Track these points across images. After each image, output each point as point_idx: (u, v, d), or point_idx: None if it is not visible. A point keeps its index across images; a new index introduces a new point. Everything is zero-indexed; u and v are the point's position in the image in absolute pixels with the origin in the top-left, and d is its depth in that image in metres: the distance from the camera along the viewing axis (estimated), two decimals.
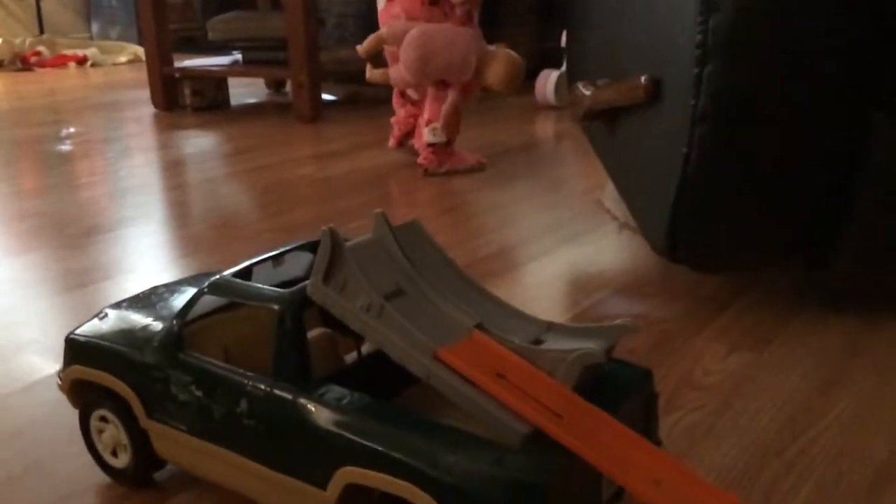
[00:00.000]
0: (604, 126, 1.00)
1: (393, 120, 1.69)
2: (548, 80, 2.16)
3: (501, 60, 1.48)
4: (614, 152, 1.03)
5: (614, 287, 0.95)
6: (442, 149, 1.53)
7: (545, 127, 2.01)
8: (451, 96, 1.52)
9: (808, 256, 0.85)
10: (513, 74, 1.49)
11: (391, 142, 1.69)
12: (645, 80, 0.82)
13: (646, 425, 0.52)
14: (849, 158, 0.77)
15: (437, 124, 1.51)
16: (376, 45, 1.54)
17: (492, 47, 1.51)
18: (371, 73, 1.59)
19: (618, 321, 0.50)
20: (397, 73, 1.53)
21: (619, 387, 0.50)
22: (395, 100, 1.67)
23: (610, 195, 1.30)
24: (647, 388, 0.52)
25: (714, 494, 0.44)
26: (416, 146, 1.58)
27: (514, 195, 1.37)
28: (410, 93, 1.59)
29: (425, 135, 1.53)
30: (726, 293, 0.92)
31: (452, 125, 1.53)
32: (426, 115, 1.53)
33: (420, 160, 1.55)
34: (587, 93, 0.95)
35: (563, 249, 1.09)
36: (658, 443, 0.53)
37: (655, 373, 0.73)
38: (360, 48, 1.55)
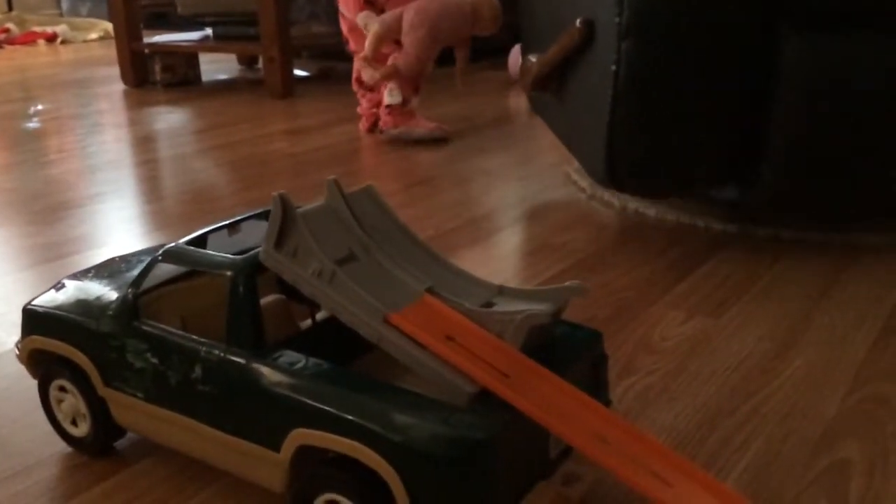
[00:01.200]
0: (552, 94, 1.02)
1: (359, 110, 1.71)
2: (520, 55, 2.16)
3: (485, 4, 1.54)
4: (562, 114, 1.05)
5: (578, 257, 0.96)
6: (398, 109, 1.57)
7: (518, 101, 2.01)
8: (461, 55, 1.60)
9: (739, 174, 0.89)
10: (496, 12, 1.56)
11: (361, 126, 1.71)
12: (579, 22, 0.88)
13: (595, 386, 0.53)
14: (765, 69, 0.82)
15: (395, 86, 1.55)
16: (378, 43, 1.53)
17: None
18: (374, 73, 1.54)
19: (567, 283, 0.51)
20: (406, 59, 1.52)
21: (567, 348, 0.51)
22: (355, 87, 1.68)
23: (577, 167, 1.31)
24: (596, 349, 0.53)
25: (659, 451, 0.45)
26: (380, 124, 1.62)
27: (485, 168, 1.38)
28: (367, 77, 1.59)
29: (385, 95, 1.57)
30: (686, 261, 0.94)
31: (409, 87, 1.56)
32: None
33: (380, 124, 1.60)
34: (534, 60, 0.98)
35: (530, 221, 1.10)
36: (607, 403, 0.54)
37: (614, 338, 0.75)
38: (368, 60, 1.52)
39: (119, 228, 1.11)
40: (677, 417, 0.63)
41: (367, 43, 1.52)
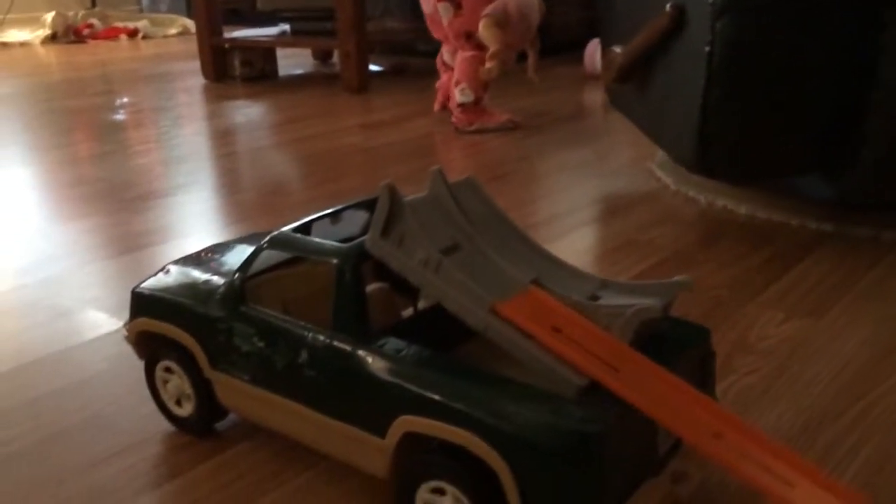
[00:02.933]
0: (635, 85, 1.00)
1: (437, 84, 1.77)
2: (597, 50, 2.14)
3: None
4: (647, 105, 1.03)
5: (665, 254, 0.95)
6: (471, 107, 1.61)
7: (593, 97, 1.99)
8: (533, 50, 1.63)
9: (836, 159, 0.85)
10: (543, 6, 1.60)
11: (435, 106, 1.78)
12: (669, 7, 0.86)
13: (702, 383, 0.51)
14: (868, 46, 0.79)
15: (466, 85, 1.59)
16: (497, 33, 1.55)
17: None
18: (492, 67, 1.55)
19: (675, 278, 0.50)
20: (507, 51, 1.56)
21: (675, 344, 0.50)
22: (439, 64, 1.75)
23: (659, 163, 1.28)
24: (704, 345, 0.52)
25: (775, 450, 0.43)
26: (450, 108, 1.66)
27: (563, 164, 1.37)
28: (448, 59, 1.68)
29: (456, 95, 1.61)
30: (780, 261, 0.91)
31: (479, 85, 1.60)
32: (455, 76, 1.62)
33: (452, 120, 1.63)
34: (619, 51, 0.96)
35: (612, 217, 1.09)
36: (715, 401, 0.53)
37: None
38: (497, 55, 1.54)
39: (202, 219, 1.14)
40: (780, 419, 0.61)
41: (492, 37, 1.53)
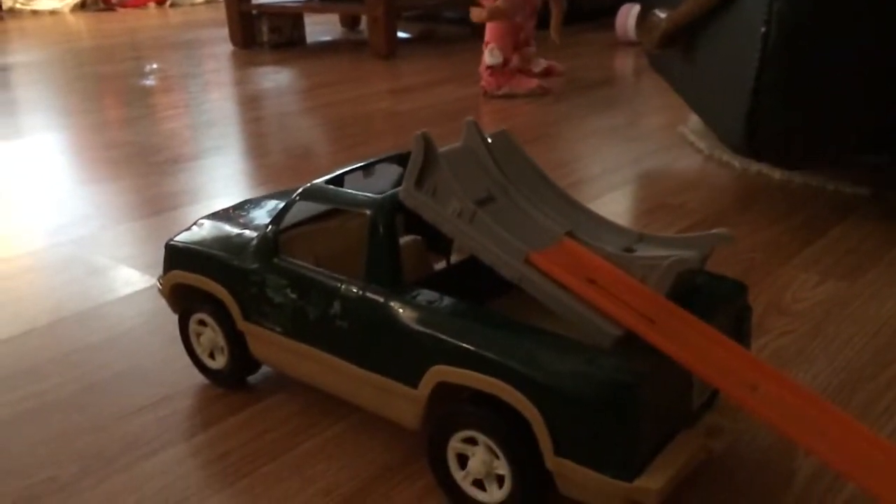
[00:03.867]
0: (679, 52, 0.97)
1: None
2: (629, 15, 2.10)
3: None
4: (689, 75, 1.00)
5: (698, 217, 0.93)
6: (499, 70, 1.60)
7: (625, 63, 1.96)
8: (557, 10, 1.64)
9: (884, 146, 0.83)
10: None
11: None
12: None
13: (738, 338, 0.51)
14: None
15: (495, 45, 1.59)
16: None
17: None
18: (481, 12, 1.61)
19: (713, 230, 0.49)
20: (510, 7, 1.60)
21: (711, 298, 0.50)
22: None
23: (693, 128, 1.26)
24: (740, 300, 0.51)
25: (812, 401, 0.43)
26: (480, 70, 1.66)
27: (594, 128, 1.35)
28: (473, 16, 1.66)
29: (485, 56, 1.61)
30: (815, 224, 0.89)
31: (509, 46, 1.60)
32: (486, 38, 1.61)
33: (481, 83, 1.63)
34: (663, 16, 0.93)
35: (646, 181, 1.07)
36: None
37: None
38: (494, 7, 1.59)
39: (230, 182, 1.14)
40: (815, 379, 0.60)
41: None
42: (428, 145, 0.50)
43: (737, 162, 1.09)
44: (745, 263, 0.81)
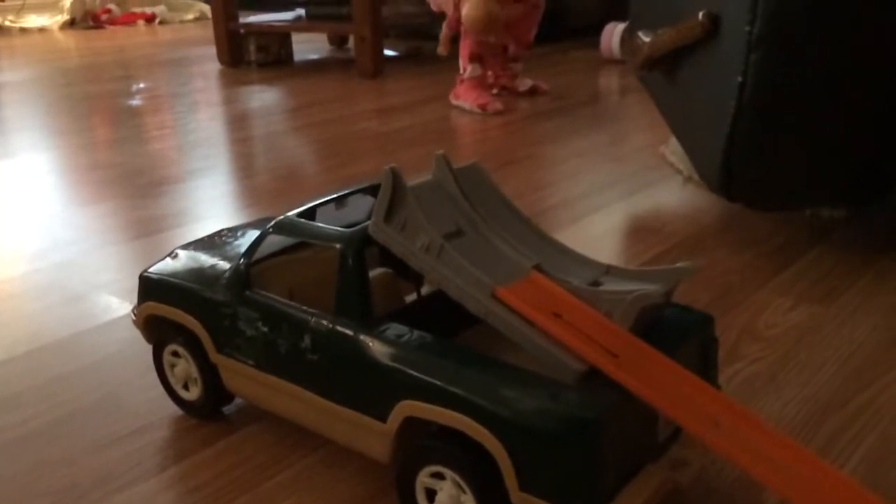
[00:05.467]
0: (662, 75, 0.98)
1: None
2: (613, 34, 2.12)
3: (469, 5, 1.60)
4: (672, 99, 1.01)
5: (677, 240, 0.94)
6: (467, 82, 1.69)
7: (609, 81, 1.97)
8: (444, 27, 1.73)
9: (862, 194, 0.83)
10: (477, 20, 1.60)
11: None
12: (702, 15, 0.81)
13: (704, 370, 0.51)
14: None
15: (461, 59, 1.71)
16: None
17: None
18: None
19: (678, 264, 0.49)
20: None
21: (677, 330, 0.50)
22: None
23: (673, 149, 1.27)
24: (706, 332, 0.51)
25: (773, 437, 0.43)
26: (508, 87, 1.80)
27: (577, 148, 1.36)
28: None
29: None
30: (792, 247, 0.90)
31: (465, 55, 1.69)
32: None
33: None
34: (646, 40, 0.93)
35: (625, 202, 1.08)
36: (717, 388, 0.53)
37: (717, 324, 0.73)
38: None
39: (216, 204, 1.15)
40: (785, 407, 0.61)
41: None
42: (396, 180, 0.51)
43: None
44: (721, 287, 0.81)
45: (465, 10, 1.60)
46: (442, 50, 1.71)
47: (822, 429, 0.58)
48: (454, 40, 1.73)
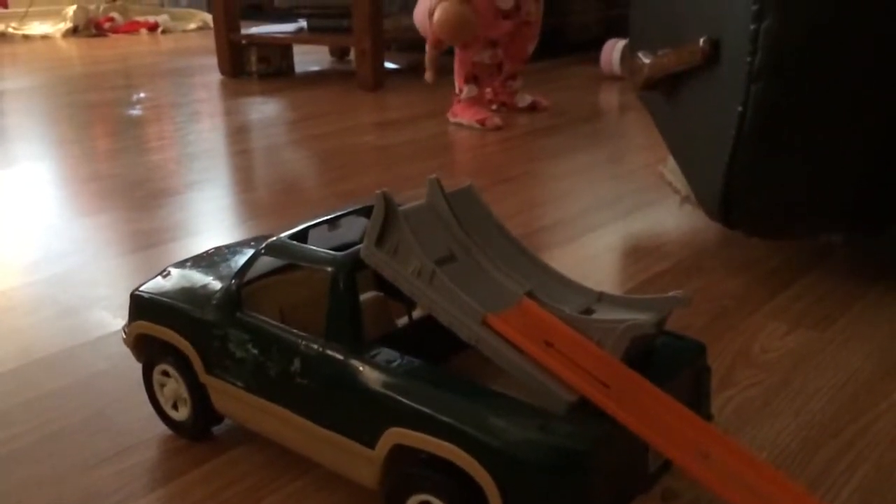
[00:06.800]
0: (662, 95, 0.98)
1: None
2: (614, 50, 2.12)
3: (440, 9, 1.58)
4: (672, 120, 1.01)
5: (673, 261, 0.94)
6: (456, 98, 1.70)
7: (609, 97, 1.97)
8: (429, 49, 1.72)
9: (862, 224, 0.82)
10: (446, 23, 1.57)
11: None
12: (703, 42, 0.80)
13: (697, 399, 0.51)
14: None
15: (456, 77, 1.70)
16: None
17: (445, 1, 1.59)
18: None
19: (670, 293, 0.49)
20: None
21: (670, 359, 0.50)
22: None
23: (671, 168, 1.27)
24: (699, 361, 0.51)
25: (763, 470, 0.43)
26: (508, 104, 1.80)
27: (575, 166, 1.36)
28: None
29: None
30: (789, 270, 0.90)
31: (460, 75, 1.69)
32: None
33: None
34: (646, 61, 0.93)
35: (622, 222, 1.08)
36: (709, 417, 0.52)
37: (711, 348, 0.72)
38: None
39: (215, 217, 1.14)
40: (779, 435, 0.60)
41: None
42: (388, 204, 0.50)
43: None
44: (717, 310, 0.81)
45: (436, 16, 1.57)
46: (429, 76, 1.68)
47: (816, 457, 0.58)
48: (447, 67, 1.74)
